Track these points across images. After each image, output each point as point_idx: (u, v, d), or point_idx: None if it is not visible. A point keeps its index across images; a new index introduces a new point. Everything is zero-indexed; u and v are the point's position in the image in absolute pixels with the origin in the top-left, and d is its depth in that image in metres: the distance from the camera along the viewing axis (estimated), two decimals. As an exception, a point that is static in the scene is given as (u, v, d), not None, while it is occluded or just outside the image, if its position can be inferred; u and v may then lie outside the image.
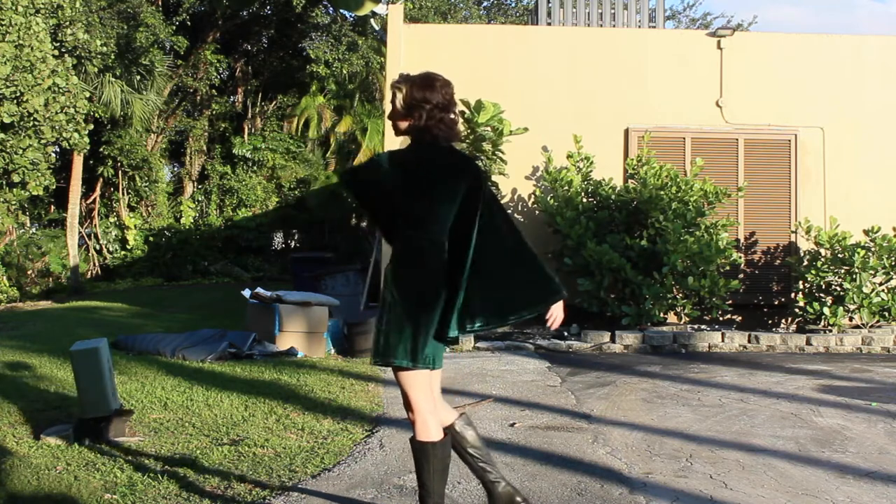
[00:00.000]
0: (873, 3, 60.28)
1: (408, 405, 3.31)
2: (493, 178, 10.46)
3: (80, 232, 20.00)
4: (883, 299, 10.05)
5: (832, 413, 6.06)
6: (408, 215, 3.35)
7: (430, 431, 3.23)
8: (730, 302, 10.23)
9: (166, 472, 4.31)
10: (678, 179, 10.19)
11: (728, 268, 10.30)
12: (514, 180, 10.86)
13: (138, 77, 19.56)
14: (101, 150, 20.84)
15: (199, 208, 23.94)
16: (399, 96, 3.36)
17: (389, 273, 3.38)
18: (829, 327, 10.18)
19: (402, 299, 3.28)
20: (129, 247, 22.07)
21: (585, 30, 12.25)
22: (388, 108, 3.39)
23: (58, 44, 14.63)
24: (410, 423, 3.32)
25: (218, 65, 23.21)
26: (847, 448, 5.07)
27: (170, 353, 8.26)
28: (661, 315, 9.86)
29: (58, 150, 18.61)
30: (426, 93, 3.34)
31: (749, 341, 9.77)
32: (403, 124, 3.40)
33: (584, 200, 10.42)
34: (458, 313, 3.29)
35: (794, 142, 11.18)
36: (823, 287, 10.24)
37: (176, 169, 25.69)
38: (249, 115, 25.14)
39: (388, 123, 3.62)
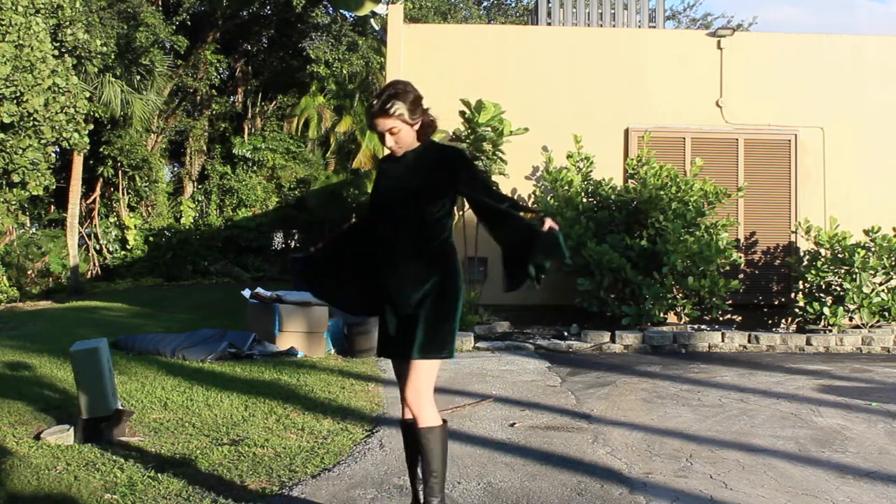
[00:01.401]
0: (873, 3, 60.29)
1: (413, 396, 3.36)
2: (494, 177, 10.47)
3: (80, 232, 19.98)
4: (883, 299, 10.05)
5: (832, 413, 6.06)
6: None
7: (432, 417, 3.36)
8: (730, 302, 10.24)
9: (166, 472, 4.31)
10: (678, 179, 10.19)
11: (728, 268, 10.31)
12: (514, 180, 10.86)
13: (138, 77, 19.54)
14: (101, 150, 20.84)
15: (199, 208, 23.94)
16: (403, 106, 3.33)
17: (450, 265, 3.41)
18: (829, 327, 10.18)
19: (459, 291, 3.41)
20: (129, 247, 22.06)
21: (585, 30, 12.25)
22: (393, 124, 3.35)
23: (58, 44, 14.62)
24: (413, 417, 3.38)
25: (218, 65, 23.21)
26: (847, 448, 5.07)
27: (170, 353, 8.26)
28: (661, 315, 9.86)
29: (58, 150, 18.61)
30: (415, 91, 3.43)
31: (749, 341, 9.77)
32: (413, 128, 3.38)
33: (584, 200, 10.42)
34: None
35: (794, 142, 11.19)
36: (823, 287, 10.25)
37: (176, 169, 25.69)
38: (249, 115, 25.13)
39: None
